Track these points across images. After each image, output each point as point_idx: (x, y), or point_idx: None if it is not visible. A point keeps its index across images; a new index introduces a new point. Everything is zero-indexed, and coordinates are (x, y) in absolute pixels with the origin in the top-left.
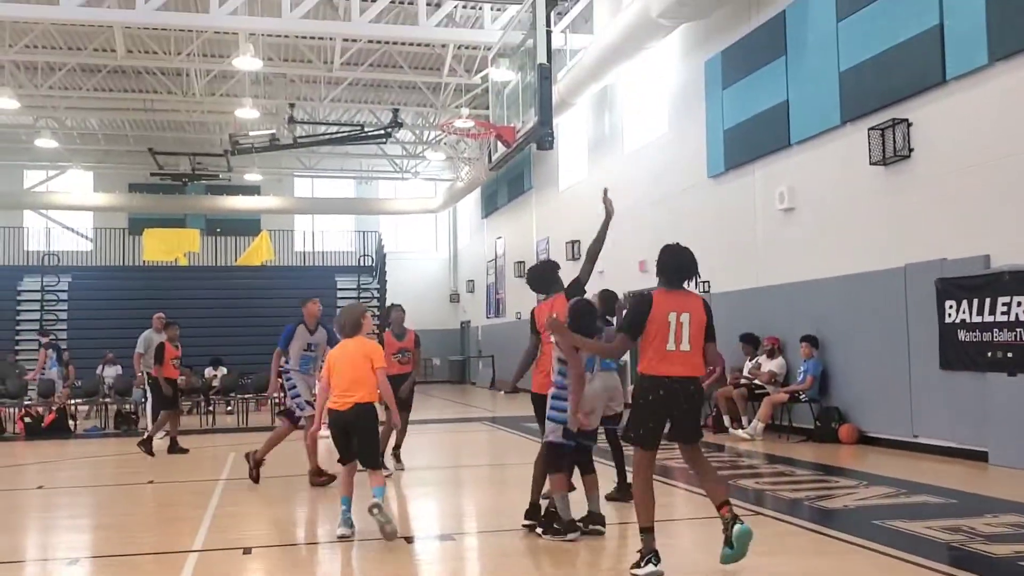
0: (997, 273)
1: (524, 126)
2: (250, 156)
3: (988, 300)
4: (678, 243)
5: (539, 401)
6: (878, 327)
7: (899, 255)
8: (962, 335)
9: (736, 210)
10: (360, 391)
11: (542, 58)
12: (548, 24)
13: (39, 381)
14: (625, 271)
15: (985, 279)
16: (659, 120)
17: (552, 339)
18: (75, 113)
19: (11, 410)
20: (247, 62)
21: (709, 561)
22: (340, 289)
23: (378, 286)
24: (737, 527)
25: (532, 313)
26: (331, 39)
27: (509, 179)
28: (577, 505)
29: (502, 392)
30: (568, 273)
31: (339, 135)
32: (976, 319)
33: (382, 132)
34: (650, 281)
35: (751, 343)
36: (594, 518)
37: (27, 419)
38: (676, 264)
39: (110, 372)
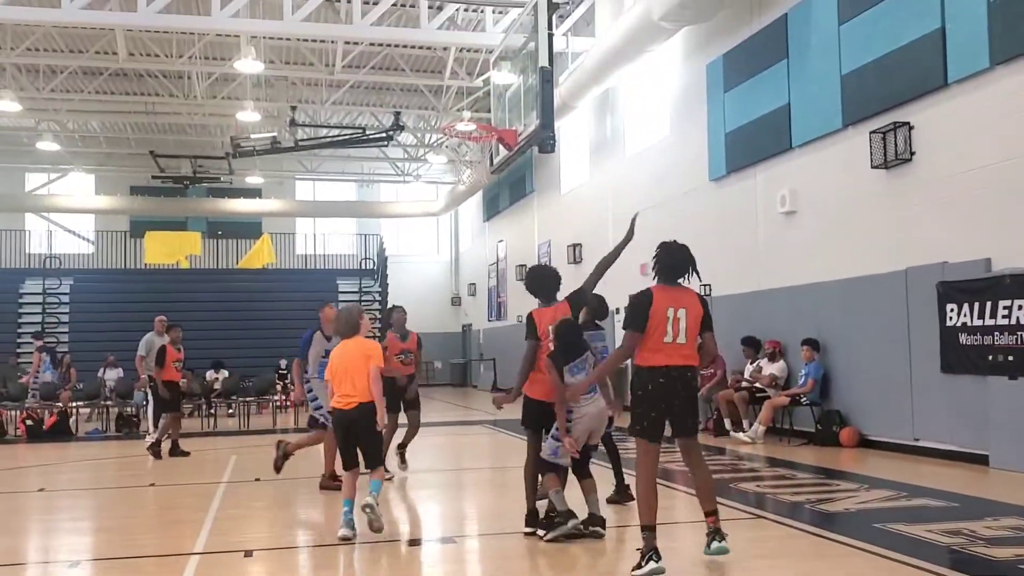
0: (998, 276)
1: (526, 129)
2: (251, 159)
3: (989, 304)
4: (675, 240)
5: (531, 405)
6: (879, 330)
7: (900, 258)
8: (963, 338)
9: (737, 213)
10: (362, 392)
11: (544, 61)
12: (550, 27)
13: (33, 383)
14: (626, 273)
15: (986, 282)
16: (660, 123)
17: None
18: (77, 116)
19: (12, 413)
20: (248, 65)
21: (710, 564)
22: (342, 292)
23: (379, 289)
24: (716, 544)
25: (530, 317)
26: (333, 42)
27: (511, 182)
28: (577, 510)
29: (500, 408)
30: (567, 275)
31: (340, 138)
32: (977, 322)
33: (384, 135)
34: (651, 283)
35: (752, 346)
36: (594, 520)
37: (28, 422)
38: (673, 261)
39: (111, 375)
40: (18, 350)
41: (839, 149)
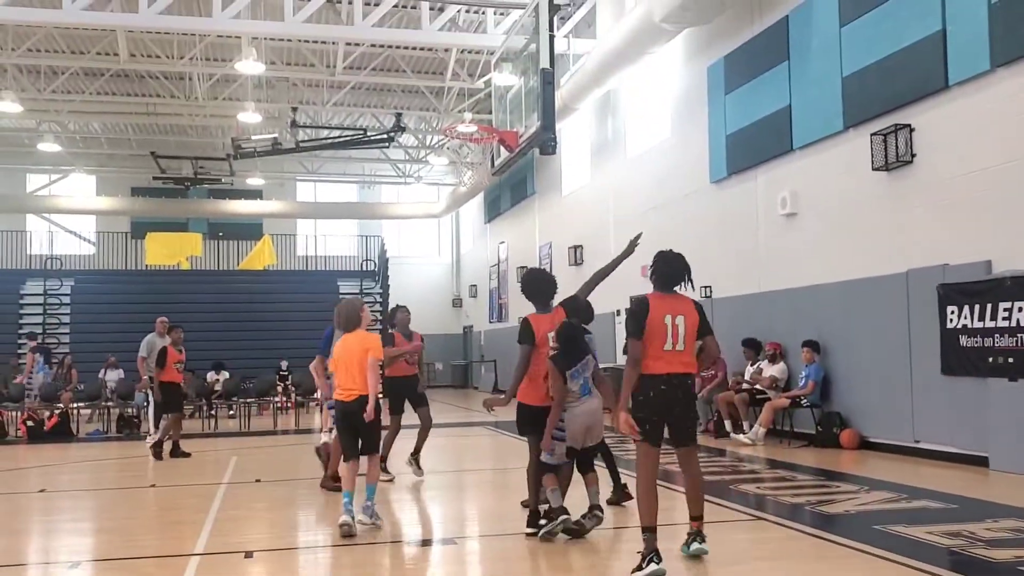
0: (999, 279)
1: (527, 131)
2: (252, 160)
3: (990, 306)
4: (671, 250)
5: (524, 411)
6: (880, 332)
7: (901, 260)
8: (963, 340)
9: (738, 215)
10: (363, 383)
11: (545, 63)
12: (551, 29)
13: (27, 384)
14: (627, 275)
15: (987, 285)
16: (662, 125)
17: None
18: (78, 117)
19: (13, 414)
20: (250, 66)
21: (711, 565)
22: (342, 294)
23: (380, 291)
24: (696, 545)
25: (526, 322)
26: (334, 43)
27: (512, 184)
28: (577, 510)
29: (490, 411)
30: (568, 277)
31: (342, 139)
32: (978, 324)
33: (385, 136)
34: (651, 286)
35: (753, 348)
36: (593, 508)
37: (29, 423)
38: (669, 270)
39: (112, 376)
40: (19, 351)
41: (840, 151)
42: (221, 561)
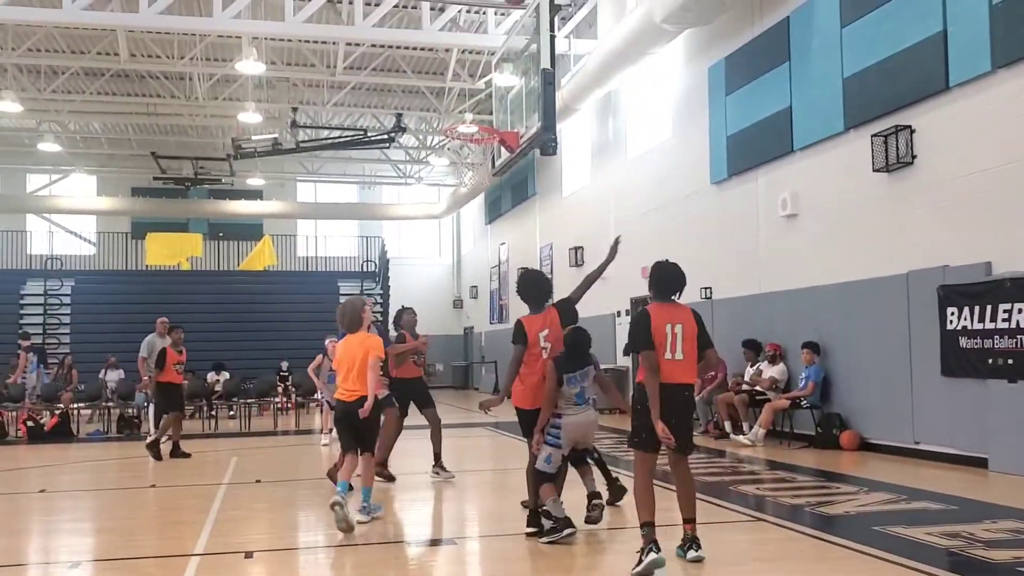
0: (999, 280)
1: (527, 131)
2: (253, 160)
3: (989, 307)
4: (667, 260)
5: (523, 415)
6: (880, 334)
7: (901, 262)
8: (963, 342)
9: (739, 216)
10: (364, 384)
11: (546, 63)
12: (552, 29)
13: (22, 382)
14: (627, 277)
15: (987, 286)
16: (662, 126)
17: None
18: (78, 117)
19: (13, 414)
20: (250, 66)
21: (711, 566)
22: (343, 295)
23: (381, 292)
24: (692, 553)
25: (519, 323)
26: (334, 43)
27: (513, 185)
28: (575, 511)
29: (487, 412)
30: (569, 278)
31: (342, 140)
32: (977, 326)
33: (385, 137)
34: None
35: (753, 349)
36: (591, 496)
37: (29, 423)
38: (667, 280)
39: (113, 376)
40: (19, 352)
41: (840, 152)
42: (221, 561)
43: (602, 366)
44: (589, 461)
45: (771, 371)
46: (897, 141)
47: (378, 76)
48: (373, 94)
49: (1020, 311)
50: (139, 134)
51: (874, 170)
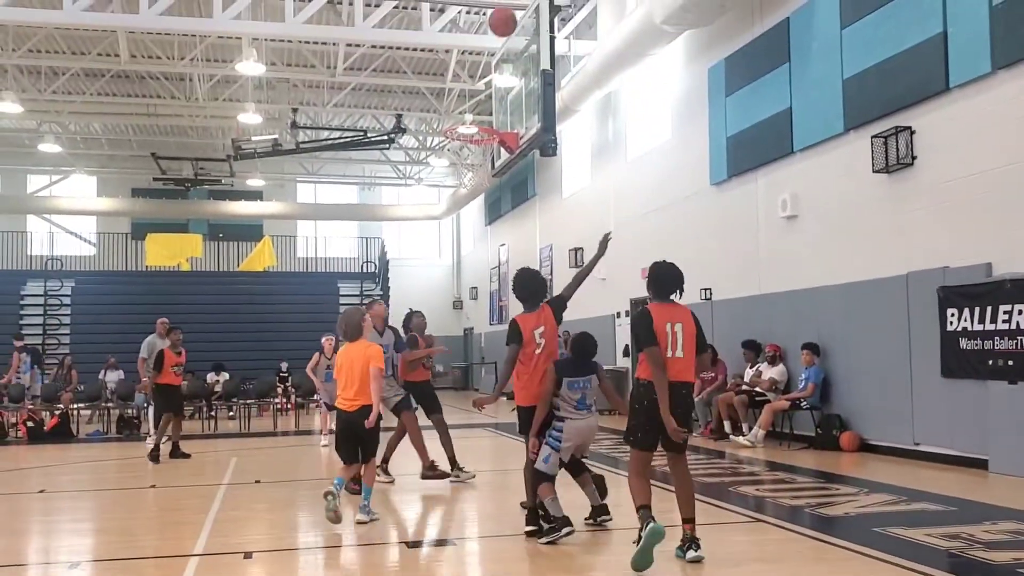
0: (999, 281)
1: (527, 132)
2: (253, 161)
3: (989, 308)
4: (665, 260)
5: (521, 412)
6: (880, 335)
7: (901, 263)
8: (963, 343)
9: (739, 217)
10: (365, 394)
11: (545, 64)
12: (552, 30)
13: (16, 381)
14: (627, 277)
15: (987, 287)
16: (662, 127)
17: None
18: (78, 118)
19: (12, 415)
20: (250, 67)
21: (710, 567)
22: (343, 295)
23: (381, 293)
24: (692, 553)
25: (514, 323)
26: (334, 44)
27: (513, 186)
28: (573, 510)
29: (480, 410)
30: (568, 279)
31: (342, 140)
32: (978, 327)
33: (385, 138)
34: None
35: (753, 350)
36: (598, 511)
37: (29, 423)
38: (665, 279)
39: (112, 377)
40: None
41: (841, 153)
42: (221, 562)
43: (603, 367)
44: (586, 470)
45: (771, 372)
46: (897, 142)
47: (378, 77)
48: (373, 95)
49: (1020, 312)
50: (139, 135)
51: (874, 171)
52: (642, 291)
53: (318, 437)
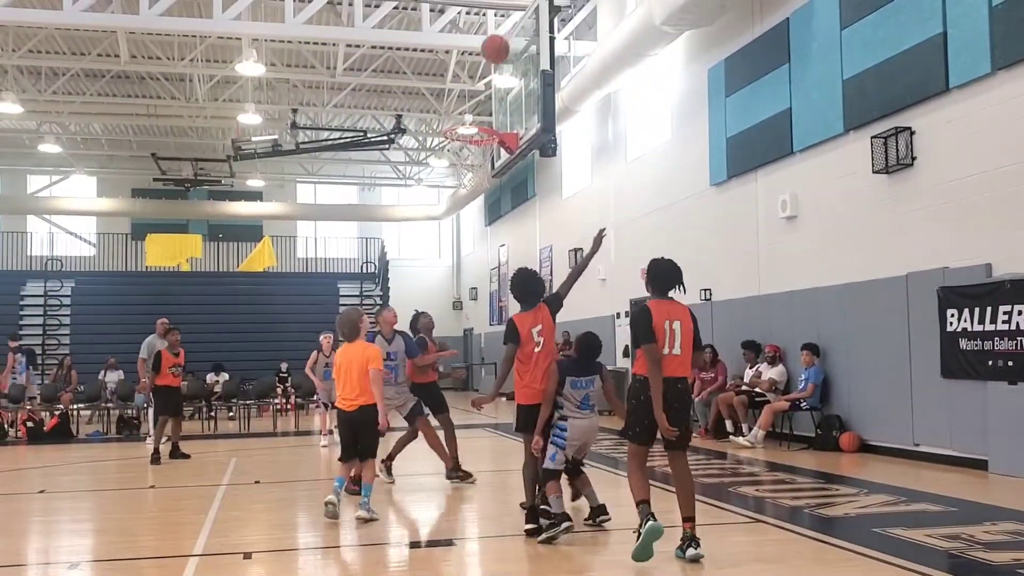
0: (998, 282)
1: (527, 133)
2: (252, 162)
3: (989, 309)
4: (664, 257)
5: (520, 410)
6: (879, 335)
7: (901, 263)
8: (963, 344)
9: (738, 218)
10: (365, 393)
11: (545, 65)
12: (551, 31)
13: (13, 382)
14: (627, 277)
15: (986, 288)
16: (662, 127)
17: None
18: (78, 118)
19: (11, 415)
20: (250, 67)
21: (710, 567)
22: (343, 296)
23: (381, 293)
24: (692, 551)
25: (511, 322)
26: (334, 44)
27: (512, 186)
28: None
29: (479, 409)
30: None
31: (342, 141)
32: (977, 328)
33: (385, 138)
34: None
35: (753, 350)
36: (598, 511)
37: (29, 423)
38: (663, 276)
39: (112, 377)
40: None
41: (840, 154)
42: (220, 562)
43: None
44: (584, 472)
45: (771, 372)
46: (897, 143)
47: (378, 77)
48: (373, 95)
49: (1020, 313)
50: (139, 135)
51: (874, 172)
52: (642, 291)
53: (318, 438)
